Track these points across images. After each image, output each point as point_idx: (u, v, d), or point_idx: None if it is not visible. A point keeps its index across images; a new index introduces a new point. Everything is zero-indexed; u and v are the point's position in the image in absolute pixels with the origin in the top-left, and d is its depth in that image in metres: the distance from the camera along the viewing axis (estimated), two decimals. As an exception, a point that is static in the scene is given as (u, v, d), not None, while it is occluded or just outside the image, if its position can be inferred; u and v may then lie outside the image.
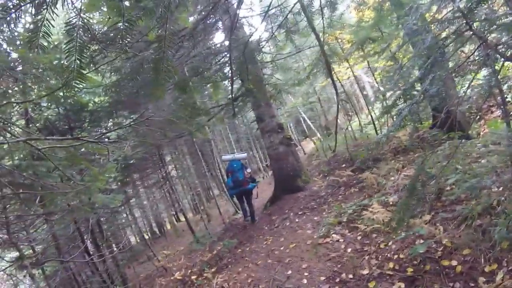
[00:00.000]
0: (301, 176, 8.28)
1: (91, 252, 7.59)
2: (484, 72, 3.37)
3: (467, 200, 3.96)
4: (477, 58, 3.08)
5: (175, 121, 8.48)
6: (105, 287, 6.97)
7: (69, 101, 6.42)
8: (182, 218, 17.44)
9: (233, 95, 8.43)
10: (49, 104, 6.60)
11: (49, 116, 7.10)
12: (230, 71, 10.56)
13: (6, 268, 4.45)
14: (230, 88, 10.96)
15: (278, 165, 8.39)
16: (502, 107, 6.56)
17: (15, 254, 5.72)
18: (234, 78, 9.32)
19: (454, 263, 3.12)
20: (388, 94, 11.00)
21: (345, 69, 15.33)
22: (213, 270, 5.51)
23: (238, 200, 8.12)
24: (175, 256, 8.48)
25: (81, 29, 1.70)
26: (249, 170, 7.87)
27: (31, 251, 6.25)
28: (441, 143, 6.56)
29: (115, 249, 7.80)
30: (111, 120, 7.81)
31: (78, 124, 7.20)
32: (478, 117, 7.58)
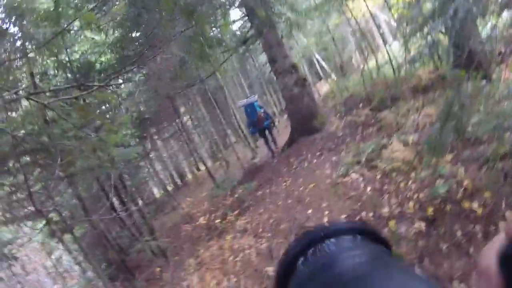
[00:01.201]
0: (318, 117, 8.16)
1: (117, 209, 7.92)
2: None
3: (489, 142, 3.82)
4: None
5: (186, 62, 8.32)
6: (134, 240, 7.35)
7: (75, 64, 6.29)
8: (202, 167, 17.90)
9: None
10: (56, 71, 6.49)
11: (58, 83, 7.02)
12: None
13: (35, 236, 4.68)
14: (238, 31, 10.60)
15: (294, 107, 8.25)
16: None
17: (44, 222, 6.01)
18: (244, 18, 8.96)
19: (474, 205, 3.04)
20: (405, 29, 10.45)
21: (360, 5, 14.46)
22: (235, 213, 5.69)
23: (261, 137, 9.18)
24: (198, 203, 8.78)
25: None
26: (261, 111, 8.69)
27: (58, 217, 6.55)
28: (462, 83, 6.27)
29: (140, 202, 8.10)
30: (120, 77, 7.70)
31: (88, 86, 7.15)
32: (500, 59, 7.15)
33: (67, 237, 8.27)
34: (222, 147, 15.19)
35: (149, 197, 12.28)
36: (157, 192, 15.89)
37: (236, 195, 6.27)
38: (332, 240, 0.39)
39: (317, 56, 20.98)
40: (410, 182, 4.07)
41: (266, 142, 9.06)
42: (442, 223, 3.10)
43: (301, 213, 4.59)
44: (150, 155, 12.96)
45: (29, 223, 5.60)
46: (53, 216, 5.80)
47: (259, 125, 8.61)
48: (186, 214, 8.46)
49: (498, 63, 7.02)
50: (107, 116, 6.54)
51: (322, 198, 4.74)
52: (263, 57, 22.09)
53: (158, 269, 5.16)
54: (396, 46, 13.81)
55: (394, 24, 21.62)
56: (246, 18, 8.72)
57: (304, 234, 0.39)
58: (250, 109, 8.63)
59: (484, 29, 6.59)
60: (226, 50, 8.45)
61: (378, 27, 19.78)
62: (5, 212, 5.02)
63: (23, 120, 4.36)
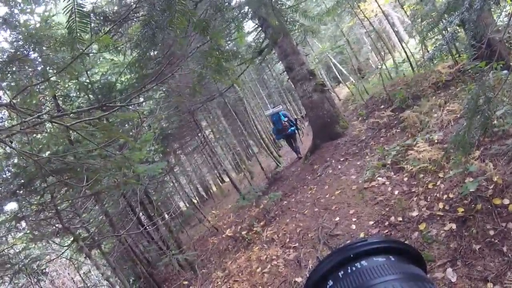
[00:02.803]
0: (339, 122, 8.08)
1: (144, 223, 8.05)
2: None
3: None
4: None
5: (204, 76, 8.48)
6: (161, 254, 7.44)
7: (96, 85, 6.50)
8: (226, 179, 17.98)
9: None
10: (78, 93, 6.74)
11: (81, 105, 7.26)
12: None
13: (63, 252, 4.81)
14: (253, 42, 10.72)
15: (314, 113, 8.20)
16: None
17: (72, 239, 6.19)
18: (257, 29, 9.04)
19: (506, 201, 2.96)
20: (420, 26, 10.26)
21: (372, 6, 14.32)
22: (261, 224, 5.68)
23: (287, 143, 10.29)
24: (224, 215, 8.83)
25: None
26: (285, 119, 9.51)
27: (86, 234, 6.72)
28: (482, 75, 6.08)
29: (166, 216, 8.20)
30: (141, 95, 7.91)
31: (110, 107, 7.35)
32: None
33: (95, 252, 8.48)
34: (245, 158, 15.25)
35: (175, 211, 12.43)
36: (183, 206, 16.07)
37: (262, 206, 6.25)
38: (364, 262, 0.37)
39: (333, 60, 20.85)
40: (438, 182, 3.99)
41: (291, 146, 10.03)
42: (474, 222, 3.02)
43: (329, 221, 4.53)
44: (175, 170, 13.15)
45: (57, 240, 5.78)
46: (81, 232, 5.97)
47: (284, 132, 9.50)
48: (212, 226, 8.51)
49: None
50: (130, 134, 6.69)
51: (349, 204, 4.67)
52: (279, 66, 22.25)
53: (185, 282, 5.17)
54: (412, 44, 13.55)
55: (408, 21, 21.27)
56: (260, 28, 8.79)
57: (335, 252, 0.39)
58: (275, 118, 9.51)
59: (499, 17, 6.40)
60: (242, 62, 8.51)
61: (392, 25, 19.50)
62: (33, 230, 5.20)
63: (48, 141, 4.53)
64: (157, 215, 6.93)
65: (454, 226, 3.13)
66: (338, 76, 21.69)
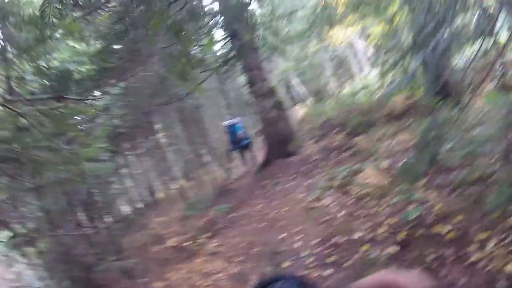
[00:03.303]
0: (293, 141, 8.23)
1: (84, 225, 7.52)
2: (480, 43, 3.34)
3: (461, 168, 3.92)
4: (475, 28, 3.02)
5: (166, 78, 8.27)
6: (100, 258, 6.99)
7: (54, 71, 6.05)
8: (174, 186, 17.50)
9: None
10: (33, 76, 6.24)
11: (35, 90, 6.72)
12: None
13: None
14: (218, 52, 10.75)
15: (270, 130, 8.29)
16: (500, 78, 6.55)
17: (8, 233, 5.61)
18: (224, 39, 9.06)
19: (445, 229, 3.10)
20: (383, 59, 10.87)
21: (339, 33, 14.96)
22: (207, 235, 5.54)
23: (240, 154, 10.45)
24: (169, 223, 8.52)
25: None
26: (240, 132, 9.79)
27: (23, 230, 6.16)
28: (435, 110, 6.55)
29: (108, 220, 7.74)
30: (98, 89, 7.49)
31: (64, 95, 6.87)
32: (472, 88, 7.51)
33: (30, 250, 7.79)
34: (196, 167, 14.96)
35: (118, 215, 11.81)
36: (126, 210, 15.35)
37: (209, 217, 6.12)
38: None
39: (294, 80, 21.38)
40: (382, 207, 4.12)
41: (243, 158, 10.30)
42: (415, 247, 3.14)
43: (275, 237, 4.52)
44: (122, 171, 12.56)
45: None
46: (17, 228, 5.44)
47: (238, 144, 9.79)
48: (156, 234, 8.19)
49: (469, 92, 7.36)
50: (82, 128, 6.26)
51: (295, 222, 4.70)
52: (242, 79, 22.35)
53: None
54: (371, 74, 14.25)
55: (370, 52, 22.50)
56: (228, 39, 8.80)
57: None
58: (232, 129, 9.80)
59: (458, 57, 6.94)
60: (207, 69, 8.43)
61: (355, 55, 20.51)
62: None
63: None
64: (99, 217, 6.52)
65: (395, 249, 3.25)
66: (297, 97, 22.23)
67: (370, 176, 4.92)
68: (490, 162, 3.46)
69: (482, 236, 2.82)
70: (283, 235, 4.47)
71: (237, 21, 8.12)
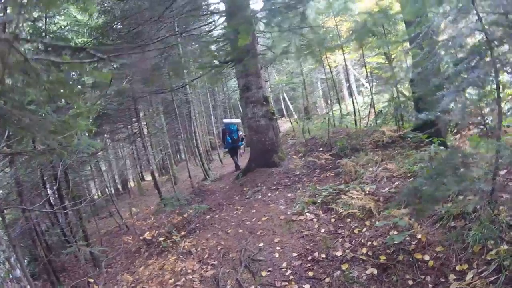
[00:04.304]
0: (278, 152, 8.21)
1: (52, 203, 7.16)
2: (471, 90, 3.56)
3: (444, 202, 4.04)
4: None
5: (161, 67, 8.13)
6: (64, 241, 6.66)
7: (50, 35, 5.80)
8: (147, 177, 17.09)
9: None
10: (29, 36, 5.96)
11: (27, 51, 6.40)
12: (222, 33, 10.28)
13: None
14: (218, 51, 10.72)
15: (257, 138, 8.24)
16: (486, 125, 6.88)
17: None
18: (225, 43, 9.01)
19: (426, 257, 3.20)
20: (375, 90, 11.15)
21: (336, 57, 15.23)
22: (180, 233, 5.38)
23: (230, 154, 10.58)
24: (144, 215, 8.25)
25: None
26: (241, 133, 10.35)
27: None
28: (421, 145, 6.77)
29: (77, 201, 7.40)
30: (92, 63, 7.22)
31: (56, 62, 6.54)
32: (456, 130, 7.80)
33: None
34: (173, 162, 14.71)
35: (87, 197, 11.39)
36: (94, 194, 14.83)
37: (185, 215, 5.95)
38: None
39: (284, 94, 21.56)
40: (364, 229, 4.18)
41: (234, 158, 10.38)
42: (395, 271, 3.20)
43: (252, 244, 4.44)
44: (98, 154, 12.13)
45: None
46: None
47: (235, 143, 10.12)
48: (124, 224, 7.92)
49: (454, 133, 7.65)
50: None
51: (275, 232, 4.65)
52: (233, 83, 22.36)
53: (91, 280, 4.60)
54: (360, 100, 14.53)
55: (362, 80, 23.02)
56: (229, 41, 8.75)
57: None
58: (234, 127, 10.14)
59: (449, 99, 7.20)
60: (203, 67, 8.35)
61: (347, 80, 20.91)
62: None
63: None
64: (70, 198, 6.21)
65: (375, 271, 3.29)
66: (284, 110, 22.40)
67: (354, 198, 4.94)
68: (474, 199, 3.55)
69: (462, 267, 2.93)
70: (261, 244, 4.40)
71: (241, 24, 8.12)
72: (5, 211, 4.95)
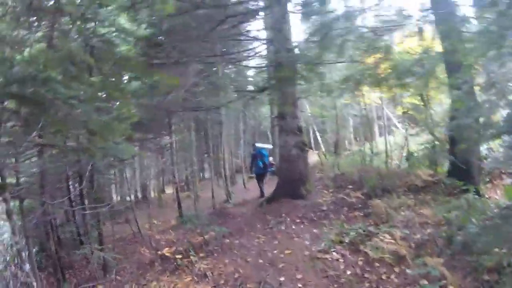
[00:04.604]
0: (306, 184, 7.98)
1: (72, 200, 7.16)
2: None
3: (478, 254, 3.72)
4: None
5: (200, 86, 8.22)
6: (76, 240, 6.60)
7: (91, 35, 5.90)
8: (168, 190, 17.10)
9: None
10: (77, 36, 6.13)
11: (72, 49, 6.60)
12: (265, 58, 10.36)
13: None
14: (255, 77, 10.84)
15: (287, 167, 8.08)
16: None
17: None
18: (267, 67, 9.09)
19: None
20: (412, 133, 10.84)
21: (372, 94, 15.07)
22: (199, 254, 5.18)
23: (257, 179, 10.41)
24: (163, 228, 8.11)
25: None
26: (271, 159, 10.60)
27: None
28: (454, 193, 6.38)
29: (100, 205, 7.40)
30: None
31: (98, 65, 6.65)
32: (489, 179, 7.39)
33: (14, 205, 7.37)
34: (196, 179, 14.68)
35: (109, 201, 11.39)
36: (114, 198, 14.93)
37: (206, 236, 5.76)
38: None
39: (314, 126, 21.38)
40: (393, 276, 3.90)
41: (261, 184, 10.22)
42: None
43: (273, 278, 4.19)
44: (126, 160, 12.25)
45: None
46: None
47: (266, 169, 10.13)
48: (145, 235, 7.82)
49: (487, 182, 7.25)
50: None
51: (297, 268, 4.39)
52: (264, 109, 22.48)
53: (100, 286, 4.45)
54: (391, 140, 14.06)
55: (394, 120, 22.59)
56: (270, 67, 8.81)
57: None
58: (265, 153, 10.20)
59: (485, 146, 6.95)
60: (241, 91, 8.42)
61: (379, 118, 20.56)
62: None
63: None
64: (91, 198, 6.18)
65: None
66: (312, 142, 22.15)
67: (384, 241, 4.65)
68: (509, 252, 3.34)
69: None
70: (282, 278, 4.15)
71: (284, 52, 8.16)
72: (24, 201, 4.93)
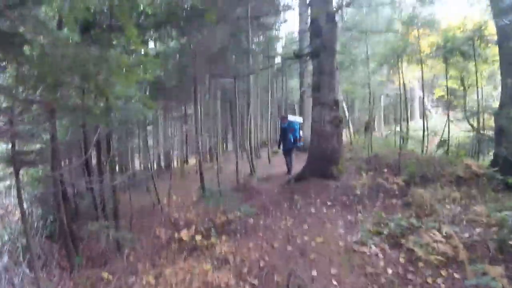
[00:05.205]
0: (338, 164, 7.35)
1: (91, 170, 6.81)
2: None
3: None
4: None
5: (228, 50, 7.62)
6: (92, 214, 6.30)
7: None
8: (191, 161, 16.86)
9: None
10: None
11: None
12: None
13: None
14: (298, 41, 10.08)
15: (319, 143, 7.44)
16: None
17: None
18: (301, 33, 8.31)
19: None
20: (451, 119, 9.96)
21: (409, 74, 14.02)
22: (220, 236, 4.73)
23: (285, 154, 9.64)
24: (183, 204, 7.71)
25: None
26: (301, 133, 9.85)
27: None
28: (498, 188, 5.82)
29: (119, 173, 7.05)
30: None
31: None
32: None
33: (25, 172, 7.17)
34: (219, 150, 14.29)
35: (129, 169, 11.18)
36: (137, 166, 14.77)
37: (230, 217, 5.29)
38: None
39: (344, 104, 20.39)
40: (440, 280, 3.35)
41: (288, 159, 9.55)
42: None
43: (303, 270, 3.68)
44: (148, 128, 11.92)
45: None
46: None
47: (294, 143, 9.39)
48: (159, 204, 7.47)
49: None
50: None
51: (331, 261, 3.86)
52: (293, 82, 21.61)
53: (109, 275, 4.08)
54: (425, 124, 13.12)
55: (429, 103, 21.28)
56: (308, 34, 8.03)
57: None
58: (294, 126, 9.43)
59: None
60: (273, 62, 7.71)
61: (411, 100, 19.37)
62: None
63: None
64: (110, 167, 5.80)
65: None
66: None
67: (430, 238, 4.04)
68: None
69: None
70: (315, 273, 3.64)
71: (325, 19, 7.37)
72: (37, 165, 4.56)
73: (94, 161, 7.22)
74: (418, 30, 11.10)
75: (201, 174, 8.39)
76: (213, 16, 4.80)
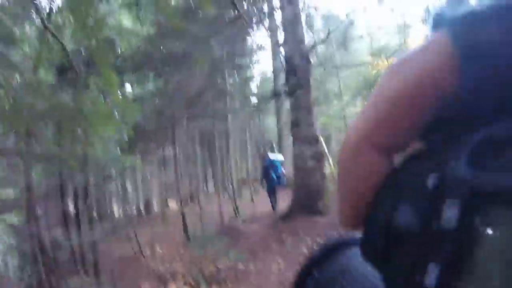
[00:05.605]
0: (323, 198, 7.24)
1: (69, 215, 6.42)
2: None
3: None
4: None
5: (205, 91, 7.60)
6: (72, 261, 5.87)
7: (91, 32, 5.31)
8: (171, 204, 16.28)
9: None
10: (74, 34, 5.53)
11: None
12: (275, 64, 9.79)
13: None
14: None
15: (302, 180, 7.37)
16: None
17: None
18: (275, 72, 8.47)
19: None
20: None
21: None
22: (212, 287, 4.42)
23: (269, 192, 9.48)
24: (167, 252, 7.26)
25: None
26: (283, 169, 9.76)
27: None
28: None
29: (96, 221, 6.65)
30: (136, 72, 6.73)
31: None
32: None
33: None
34: (200, 192, 13.93)
35: (108, 216, 10.62)
36: (116, 212, 14.05)
37: (219, 265, 4.99)
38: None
39: (320, 137, 20.69)
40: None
41: (272, 197, 9.32)
42: None
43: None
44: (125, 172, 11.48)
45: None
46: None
47: (278, 182, 9.28)
48: (140, 251, 7.04)
49: None
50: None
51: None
52: (270, 120, 21.84)
53: None
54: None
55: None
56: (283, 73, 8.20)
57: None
58: (276, 164, 9.48)
59: None
60: (249, 102, 7.80)
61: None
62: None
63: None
64: (88, 213, 5.47)
65: None
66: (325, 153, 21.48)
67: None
68: None
69: None
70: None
71: (299, 57, 7.57)
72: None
73: (71, 206, 6.84)
74: (387, 60, 11.58)
75: (183, 219, 8.06)
76: (202, 61, 4.83)
